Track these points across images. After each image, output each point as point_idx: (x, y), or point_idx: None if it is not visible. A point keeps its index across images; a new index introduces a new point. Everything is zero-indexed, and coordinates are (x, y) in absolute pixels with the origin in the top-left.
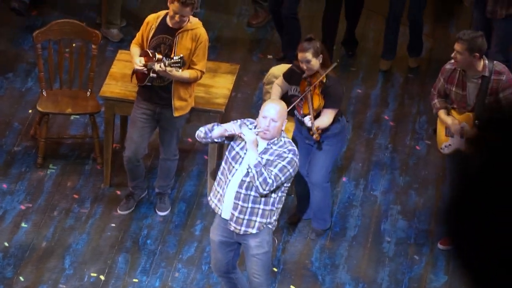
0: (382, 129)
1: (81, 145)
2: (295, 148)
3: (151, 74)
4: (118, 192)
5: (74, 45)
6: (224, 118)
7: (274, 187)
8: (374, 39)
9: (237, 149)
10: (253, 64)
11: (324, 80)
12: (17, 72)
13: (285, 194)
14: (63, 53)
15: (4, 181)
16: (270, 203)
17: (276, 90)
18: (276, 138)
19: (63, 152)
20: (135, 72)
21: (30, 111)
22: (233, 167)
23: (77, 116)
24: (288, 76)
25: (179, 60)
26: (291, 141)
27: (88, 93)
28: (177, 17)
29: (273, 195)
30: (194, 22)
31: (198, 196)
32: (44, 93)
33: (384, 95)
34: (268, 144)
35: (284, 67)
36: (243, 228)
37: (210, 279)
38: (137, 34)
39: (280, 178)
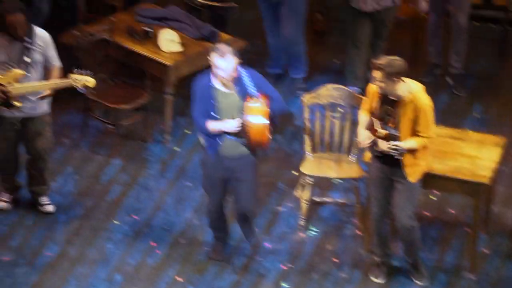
0: None
1: (343, 210)
2: None
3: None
4: (378, 259)
5: (341, 110)
6: (489, 191)
7: None
8: None
9: None
10: None
11: None
12: (285, 134)
13: None
14: (329, 117)
15: (267, 240)
16: None
17: None
18: None
19: (325, 215)
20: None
21: (295, 173)
22: None
23: (341, 181)
24: None
25: (398, 150)
26: None
27: (352, 158)
28: (378, 83)
29: None
30: (414, 91)
31: (459, 268)
32: (309, 155)
33: None
34: None
35: None
36: None
37: None
38: (364, 100)
39: None
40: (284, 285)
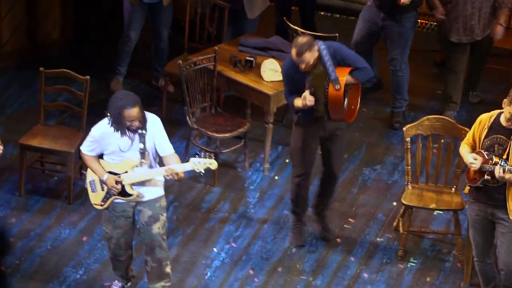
0: None
1: (443, 241)
2: None
3: (486, 177)
4: None
5: (442, 141)
6: None
7: None
8: None
9: None
10: None
11: None
12: (385, 165)
13: None
14: (431, 148)
15: (366, 271)
16: None
17: None
18: None
19: (424, 246)
20: (467, 172)
21: (394, 203)
22: None
23: (440, 212)
24: None
25: None
26: None
27: (453, 190)
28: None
29: None
30: None
31: None
32: (409, 186)
33: None
34: None
35: None
36: None
37: None
38: (467, 134)
39: None
40: None
